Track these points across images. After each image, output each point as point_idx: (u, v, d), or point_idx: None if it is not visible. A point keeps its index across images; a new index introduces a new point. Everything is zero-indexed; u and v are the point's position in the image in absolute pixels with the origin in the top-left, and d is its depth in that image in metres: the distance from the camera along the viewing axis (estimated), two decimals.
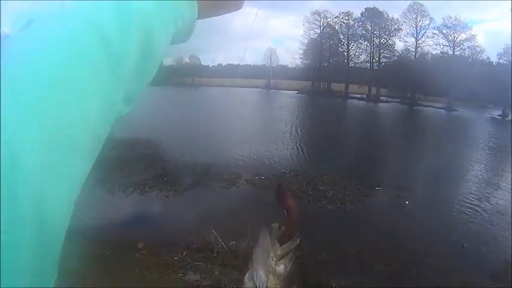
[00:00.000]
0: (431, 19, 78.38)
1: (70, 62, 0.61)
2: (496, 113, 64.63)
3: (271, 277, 1.10)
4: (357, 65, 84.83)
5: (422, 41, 78.84)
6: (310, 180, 21.19)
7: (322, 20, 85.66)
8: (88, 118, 0.63)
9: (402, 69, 72.08)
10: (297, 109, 58.70)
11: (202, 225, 13.60)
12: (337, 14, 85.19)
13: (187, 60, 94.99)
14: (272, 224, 1.19)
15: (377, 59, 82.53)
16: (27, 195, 0.52)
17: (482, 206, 19.50)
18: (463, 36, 75.53)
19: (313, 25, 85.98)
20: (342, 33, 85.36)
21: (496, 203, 20.07)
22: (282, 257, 1.13)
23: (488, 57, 75.66)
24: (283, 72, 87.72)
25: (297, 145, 31.38)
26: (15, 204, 0.51)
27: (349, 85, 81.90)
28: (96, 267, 9.95)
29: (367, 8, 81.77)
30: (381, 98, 77.36)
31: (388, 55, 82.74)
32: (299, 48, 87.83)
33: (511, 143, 36.38)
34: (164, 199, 18.06)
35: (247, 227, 12.77)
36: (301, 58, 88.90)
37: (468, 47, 75.47)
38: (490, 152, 35.52)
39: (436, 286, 11.45)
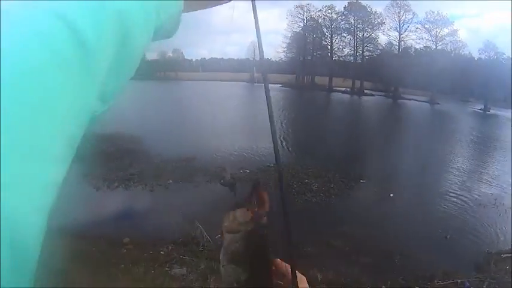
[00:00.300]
0: (414, 14, 79.17)
1: (39, 61, 0.58)
2: (478, 107, 65.26)
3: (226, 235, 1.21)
4: (340, 59, 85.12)
5: (406, 35, 79.64)
6: (294, 173, 21.21)
7: (305, 13, 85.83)
8: (59, 120, 0.60)
9: (386, 63, 72.31)
10: (281, 103, 58.55)
11: (187, 219, 13.64)
12: (320, 7, 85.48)
13: (171, 55, 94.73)
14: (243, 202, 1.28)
15: (361, 52, 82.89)
16: None
17: (465, 198, 19.72)
18: (445, 31, 76.54)
19: (296, 18, 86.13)
20: (325, 26, 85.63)
21: (478, 195, 20.31)
22: (234, 228, 1.20)
23: (469, 52, 76.55)
24: (267, 66, 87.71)
25: (282, 138, 31.44)
26: None
27: (333, 78, 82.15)
28: (82, 263, 9.94)
29: (350, 1, 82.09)
30: (365, 91, 77.76)
31: (371, 49, 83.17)
32: (282, 42, 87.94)
33: (491, 136, 36.87)
34: (149, 194, 18.01)
35: None
36: (284, 52, 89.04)
37: (450, 41, 76.40)
38: (471, 146, 35.80)
39: (420, 277, 11.58)
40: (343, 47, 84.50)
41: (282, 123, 38.51)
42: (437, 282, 11.28)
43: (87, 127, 0.69)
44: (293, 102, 63.40)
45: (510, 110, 55.58)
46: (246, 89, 74.47)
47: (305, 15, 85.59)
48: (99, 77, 0.68)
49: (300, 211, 16.59)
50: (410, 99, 70.77)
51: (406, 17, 79.07)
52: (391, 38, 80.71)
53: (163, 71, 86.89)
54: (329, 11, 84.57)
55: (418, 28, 78.38)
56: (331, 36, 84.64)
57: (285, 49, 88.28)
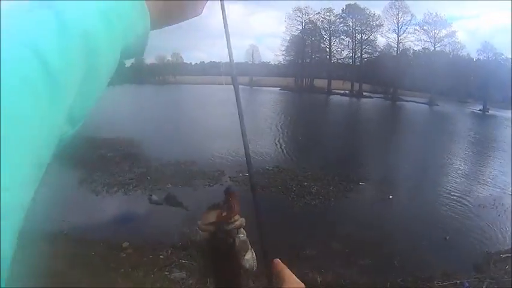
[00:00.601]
0: (412, 15, 79.07)
1: (8, 88, 0.59)
2: (477, 108, 65.33)
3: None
4: (339, 61, 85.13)
5: (404, 37, 79.52)
6: (293, 176, 21.27)
7: (303, 16, 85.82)
8: (28, 146, 0.61)
9: (384, 65, 72.33)
10: (280, 106, 58.81)
11: (186, 223, 13.51)
12: (318, 10, 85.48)
13: (170, 59, 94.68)
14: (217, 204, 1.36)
15: (359, 54, 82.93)
16: None
17: (464, 199, 19.75)
18: (443, 32, 76.50)
19: (294, 21, 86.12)
20: (324, 29, 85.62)
21: (477, 196, 20.35)
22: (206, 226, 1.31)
23: (468, 54, 76.56)
24: (266, 70, 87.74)
25: (281, 142, 31.48)
26: None
27: (332, 81, 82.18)
28: (82, 267, 9.97)
29: (349, 4, 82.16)
30: (364, 93, 77.72)
31: (370, 51, 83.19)
32: (281, 45, 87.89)
33: (490, 137, 36.92)
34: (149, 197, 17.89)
35: None
36: (283, 55, 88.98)
37: (449, 43, 76.41)
38: (470, 147, 35.83)
39: (420, 278, 11.59)
40: (342, 50, 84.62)
41: (280, 127, 38.49)
42: (437, 283, 11.24)
43: (57, 149, 0.70)
44: (292, 105, 63.49)
45: (509, 111, 55.70)
46: (244, 92, 74.49)
47: (303, 18, 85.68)
48: (67, 101, 0.69)
49: (299, 214, 16.70)
50: (409, 101, 70.78)
51: (404, 19, 79.13)
52: (390, 40, 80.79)
53: (162, 75, 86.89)
54: (327, 13, 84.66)
55: (416, 30, 78.48)
56: (330, 38, 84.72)
57: (284, 52, 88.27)
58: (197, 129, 33.34)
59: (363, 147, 31.39)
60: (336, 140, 33.88)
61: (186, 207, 15.71)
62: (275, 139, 31.64)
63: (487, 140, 39.14)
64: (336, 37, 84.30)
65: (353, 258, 12.81)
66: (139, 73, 74.87)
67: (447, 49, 76.54)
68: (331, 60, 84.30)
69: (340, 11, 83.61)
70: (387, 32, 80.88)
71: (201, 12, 1.10)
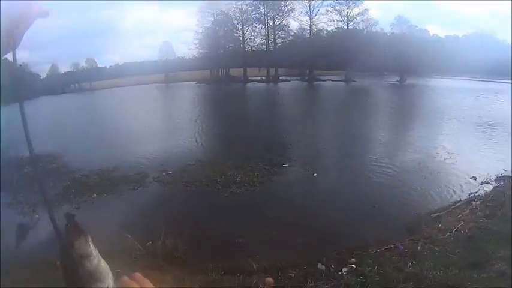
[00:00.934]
0: None
1: None
2: (394, 79, 67.04)
3: None
4: (253, 49, 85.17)
5: (317, 19, 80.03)
6: (216, 168, 21.52)
7: (214, 7, 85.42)
8: None
9: (299, 48, 73.18)
10: (197, 99, 59.11)
11: (116, 231, 13.64)
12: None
13: (84, 65, 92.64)
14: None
15: (272, 40, 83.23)
16: None
17: (389, 167, 20.76)
18: (355, 11, 77.39)
19: (206, 14, 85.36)
20: (236, 18, 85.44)
21: (401, 162, 21.36)
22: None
23: (382, 29, 77.94)
24: (181, 65, 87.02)
25: (201, 135, 31.63)
26: None
27: (248, 69, 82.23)
28: None
29: None
30: (280, 77, 78.05)
31: (283, 35, 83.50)
32: (194, 39, 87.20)
33: (409, 105, 38.16)
34: (75, 212, 17.48)
35: (160, 224, 12.98)
36: (197, 48, 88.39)
37: (362, 20, 77.51)
38: (391, 116, 36.89)
39: (354, 248, 12.02)
40: (255, 37, 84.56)
41: (199, 120, 38.58)
42: (372, 251, 11.72)
43: None
44: (209, 98, 63.41)
45: (427, 79, 57.74)
46: (161, 89, 73.93)
47: (215, 9, 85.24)
48: None
49: (227, 204, 17.07)
50: (326, 80, 71.95)
51: (316, 1, 79.66)
52: (302, 23, 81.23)
53: (78, 83, 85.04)
54: (238, 2, 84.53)
55: (328, 11, 79.04)
56: (242, 27, 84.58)
57: (197, 45, 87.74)
58: (117, 134, 32.93)
59: (283, 131, 31.77)
60: (256, 126, 34.29)
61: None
62: (194, 133, 31.59)
63: (406, 108, 40.43)
64: (249, 25, 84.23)
65: (286, 240, 13.11)
66: (55, 83, 73.19)
67: (360, 26, 77.94)
68: (245, 48, 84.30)
69: None
70: (299, 15, 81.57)
71: (47, 15, 1.15)
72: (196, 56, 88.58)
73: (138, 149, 26.78)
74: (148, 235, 13.18)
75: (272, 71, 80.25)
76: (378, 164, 21.21)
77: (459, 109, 38.32)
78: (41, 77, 75.58)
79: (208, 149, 27.53)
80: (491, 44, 64.84)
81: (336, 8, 78.70)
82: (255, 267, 11.23)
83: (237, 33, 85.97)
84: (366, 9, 77.95)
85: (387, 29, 77.19)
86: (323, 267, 11.13)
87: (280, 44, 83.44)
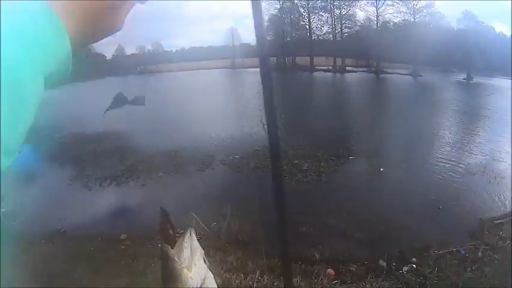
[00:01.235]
0: None
1: None
2: (461, 76, 65.33)
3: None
4: (320, 38, 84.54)
5: (383, 10, 78.56)
6: (283, 155, 20.99)
7: None
8: None
9: (366, 39, 72.15)
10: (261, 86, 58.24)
11: (182, 210, 13.48)
12: None
13: (150, 48, 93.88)
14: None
15: (339, 30, 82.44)
16: None
17: (454, 168, 19.85)
18: (422, 3, 75.59)
19: (272, 1, 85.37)
20: (302, 6, 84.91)
21: (467, 164, 20.47)
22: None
23: (448, 23, 75.95)
24: (247, 51, 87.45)
25: (264, 122, 31.05)
26: None
27: (314, 58, 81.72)
28: (83, 263, 10.03)
29: None
30: (347, 68, 77.27)
31: (350, 25, 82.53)
32: None
33: (476, 105, 37.00)
34: (142, 188, 18.10)
35: (226, 207, 12.92)
36: None
37: (428, 13, 75.66)
38: (457, 116, 35.89)
39: (416, 248, 11.66)
40: (322, 26, 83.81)
41: (262, 107, 37.81)
42: (434, 252, 11.35)
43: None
44: (276, 84, 63.16)
45: (492, 78, 55.95)
46: (227, 75, 74.21)
47: None
48: None
49: (293, 192, 16.67)
50: (392, 73, 70.62)
51: None
52: (369, 13, 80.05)
53: (144, 65, 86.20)
54: None
55: (395, 2, 77.67)
56: (309, 15, 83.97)
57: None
58: (183, 116, 33.30)
59: (350, 122, 31.33)
60: (323, 116, 33.86)
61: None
62: (260, 119, 31.38)
63: (472, 108, 39.28)
64: (315, 14, 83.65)
65: (349, 233, 12.88)
66: (121, 65, 74.41)
67: (427, 19, 76.19)
68: (311, 37, 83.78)
69: None
70: (365, 5, 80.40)
71: (121, 27, 1.08)
72: None
73: (204, 131, 26.93)
74: (213, 216, 13.34)
75: (339, 61, 79.50)
76: (444, 164, 20.46)
77: None
78: (107, 58, 76.74)
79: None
80: None
81: None
82: (317, 257, 11.12)
83: (303, 21, 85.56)
84: (433, 2, 76.23)
85: (454, 24, 75.15)
86: (384, 264, 10.93)
87: (347, 34, 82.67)
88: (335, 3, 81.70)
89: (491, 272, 10.04)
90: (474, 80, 61.36)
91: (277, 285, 8.85)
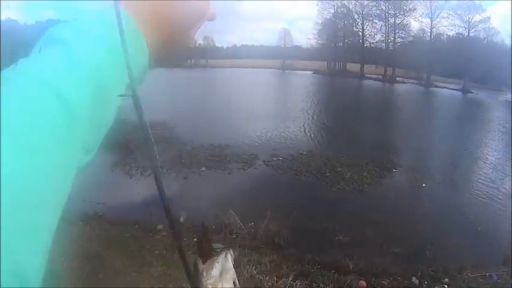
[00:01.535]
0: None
1: (29, 125, 0.63)
2: (510, 96, 63.89)
3: None
4: (372, 45, 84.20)
5: (438, 22, 77.99)
6: (327, 161, 21.17)
7: None
8: (50, 175, 0.65)
9: (418, 50, 71.33)
10: (313, 89, 58.54)
11: (220, 206, 13.72)
12: None
13: (201, 42, 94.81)
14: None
15: (392, 39, 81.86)
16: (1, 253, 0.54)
17: (496, 190, 19.37)
18: (477, 17, 74.64)
19: (327, 5, 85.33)
20: (357, 12, 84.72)
21: (509, 187, 19.91)
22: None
23: (502, 40, 74.59)
24: (298, 53, 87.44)
25: (313, 126, 31.16)
26: None
27: (365, 65, 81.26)
28: (117, 249, 10.08)
29: None
30: (397, 78, 76.30)
31: (403, 35, 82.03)
32: (313, 29, 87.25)
33: None
34: (183, 181, 18.12)
35: (265, 208, 12.87)
36: (315, 38, 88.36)
37: (483, 28, 74.57)
38: (503, 136, 35.17)
39: (450, 268, 11.43)
40: (375, 34, 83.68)
41: (314, 111, 38.29)
42: (467, 275, 11.07)
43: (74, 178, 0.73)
44: (325, 89, 63.11)
45: None
46: (277, 75, 74.34)
47: (335, 2, 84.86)
48: (82, 133, 0.73)
49: (333, 200, 16.64)
50: (442, 87, 69.66)
51: (438, 3, 77.48)
52: (423, 24, 79.42)
53: (194, 59, 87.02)
54: None
55: (450, 14, 76.79)
56: (363, 22, 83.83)
57: (316, 35, 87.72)
58: (230, 112, 33.56)
59: (396, 134, 31.13)
60: (369, 125, 33.56)
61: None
62: (307, 123, 31.41)
63: None
64: (369, 21, 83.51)
65: (385, 246, 12.67)
66: (171, 57, 75.54)
67: (481, 35, 74.99)
68: (364, 44, 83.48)
69: None
70: (420, 16, 79.71)
71: (193, 42, 1.15)
72: (315, 46, 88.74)
73: (249, 130, 27.03)
74: (251, 216, 13.24)
75: (389, 71, 78.85)
76: (485, 186, 19.90)
77: None
78: None
79: (320, 141, 27.09)
80: None
81: (458, 12, 76.51)
82: (351, 267, 10.82)
83: (357, 27, 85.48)
84: (488, 17, 75.06)
85: (508, 41, 73.47)
86: (417, 281, 10.64)
87: (399, 44, 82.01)
88: (390, 12, 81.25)
89: None
90: None
91: None
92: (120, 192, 16.16)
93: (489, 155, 26.57)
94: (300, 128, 29.14)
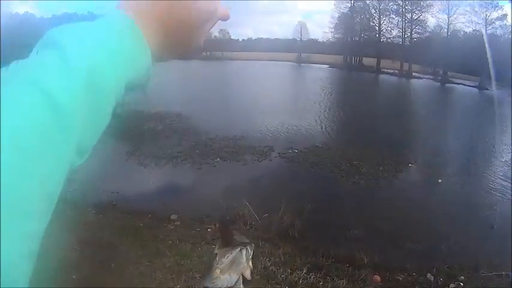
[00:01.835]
0: None
1: (19, 129, 0.61)
2: None
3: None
4: (388, 40, 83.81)
5: (455, 18, 77.25)
6: (343, 154, 21.07)
7: None
8: (39, 180, 0.64)
9: (435, 46, 70.87)
10: (329, 83, 58.58)
11: (235, 197, 13.71)
12: None
13: (217, 35, 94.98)
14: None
15: (409, 34, 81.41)
16: None
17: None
18: (494, 15, 73.81)
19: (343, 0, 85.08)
20: (373, 7, 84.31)
21: None
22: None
23: None
24: (314, 47, 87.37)
25: (330, 119, 31.07)
26: None
27: (381, 60, 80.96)
28: (130, 238, 10.08)
29: None
30: (413, 74, 75.99)
31: (420, 31, 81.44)
32: (330, 22, 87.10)
33: None
34: (197, 172, 18.19)
35: (280, 200, 12.81)
36: (332, 32, 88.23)
37: (500, 26, 73.77)
38: None
39: (466, 266, 11.30)
40: (392, 29, 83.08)
41: (330, 104, 38.28)
42: (482, 273, 11.00)
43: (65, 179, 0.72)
44: (341, 83, 63.02)
45: None
46: (292, 69, 74.20)
47: None
48: (75, 135, 0.71)
49: (349, 193, 16.61)
50: (458, 84, 69.28)
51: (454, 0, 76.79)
52: (440, 20, 78.73)
53: (210, 51, 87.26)
54: None
55: (467, 11, 76.07)
56: (379, 17, 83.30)
57: (333, 29, 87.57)
58: (245, 104, 33.63)
59: (412, 129, 30.87)
60: (385, 119, 33.40)
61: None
62: (325, 116, 31.34)
63: None
64: (386, 16, 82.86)
65: (400, 241, 12.66)
66: (187, 49, 75.60)
67: (498, 32, 74.27)
68: (380, 39, 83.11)
69: None
70: (437, 12, 79.12)
71: (201, 44, 1.13)
72: (331, 40, 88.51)
73: (265, 122, 27.05)
74: (266, 208, 13.17)
75: (405, 66, 78.44)
76: (502, 185, 19.59)
77: None
78: None
79: (336, 134, 27.17)
80: None
81: (475, 9, 75.49)
82: (365, 261, 10.82)
83: (373, 22, 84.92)
84: (505, 15, 74.05)
85: None
86: (432, 278, 10.59)
87: (416, 39, 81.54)
88: (407, 7, 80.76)
89: None
90: None
91: (322, 285, 8.63)
92: (134, 181, 16.20)
93: (505, 153, 26.32)
94: (316, 120, 29.09)
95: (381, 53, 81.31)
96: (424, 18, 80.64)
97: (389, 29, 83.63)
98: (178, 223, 12.31)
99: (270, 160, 20.07)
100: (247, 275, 1.25)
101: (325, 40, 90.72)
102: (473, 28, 76.16)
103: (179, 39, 0.99)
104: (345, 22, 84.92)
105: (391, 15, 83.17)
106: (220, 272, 1.23)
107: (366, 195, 16.78)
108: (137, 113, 22.81)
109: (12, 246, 0.57)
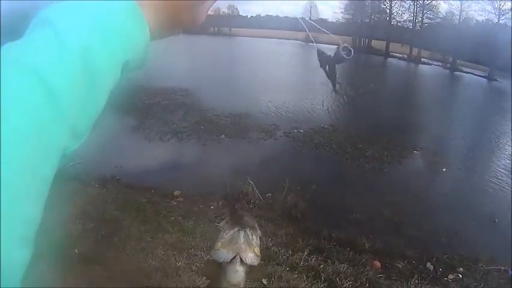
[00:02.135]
0: None
1: (11, 111, 0.60)
2: None
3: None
4: (399, 24, 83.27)
5: (467, 5, 76.47)
6: (348, 136, 21.03)
7: None
8: (32, 164, 0.63)
9: (445, 32, 70.28)
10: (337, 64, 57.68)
11: (239, 175, 13.71)
12: None
13: (225, 11, 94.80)
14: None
15: (420, 19, 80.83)
16: None
17: None
18: (508, 4, 72.96)
19: None
20: None
21: None
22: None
23: None
24: (323, 26, 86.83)
25: (336, 101, 30.79)
26: None
27: (390, 43, 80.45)
28: (132, 213, 10.06)
29: None
30: (422, 59, 75.48)
31: (431, 16, 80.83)
32: (340, 3, 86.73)
33: None
34: (202, 148, 18.17)
35: (283, 180, 12.79)
36: (342, 13, 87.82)
37: None
38: None
39: (465, 258, 11.31)
40: (403, 12, 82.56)
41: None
42: (481, 266, 10.97)
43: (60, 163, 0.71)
44: (349, 65, 62.74)
45: None
46: (300, 48, 73.83)
47: None
48: (70, 118, 0.70)
49: (353, 176, 16.61)
50: (467, 73, 68.84)
51: None
52: (453, 7, 77.90)
53: (218, 27, 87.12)
54: None
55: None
56: (391, 0, 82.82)
57: (343, 10, 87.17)
58: (251, 82, 33.54)
59: (419, 115, 30.76)
60: (392, 104, 33.29)
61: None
62: (331, 97, 31.21)
63: None
64: None
65: (402, 228, 12.67)
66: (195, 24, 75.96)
67: (511, 23, 73.44)
68: (390, 22, 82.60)
69: None
70: None
71: (201, 22, 1.06)
72: (341, 20, 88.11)
73: (271, 100, 26.93)
74: (270, 187, 13.24)
75: (414, 51, 77.94)
76: (505, 178, 19.39)
77: None
78: None
79: (342, 115, 27.03)
80: None
81: None
82: (366, 246, 10.93)
83: (385, 5, 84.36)
84: None
85: None
86: (431, 267, 10.65)
87: (427, 25, 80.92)
88: None
89: None
90: None
91: (323, 267, 8.54)
92: (138, 156, 16.18)
93: (508, 145, 26.22)
94: (322, 101, 28.94)
95: (391, 37, 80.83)
96: (436, 4, 79.93)
97: (400, 12, 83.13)
98: (181, 199, 12.33)
99: (275, 139, 20.03)
100: (244, 257, 1.24)
101: (334, 20, 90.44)
102: (486, 17, 75.26)
103: (179, 17, 0.95)
104: (356, 3, 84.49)
105: None
106: (221, 245, 1.26)
107: (370, 179, 16.71)
108: (143, 88, 22.77)
109: (5, 232, 0.56)
